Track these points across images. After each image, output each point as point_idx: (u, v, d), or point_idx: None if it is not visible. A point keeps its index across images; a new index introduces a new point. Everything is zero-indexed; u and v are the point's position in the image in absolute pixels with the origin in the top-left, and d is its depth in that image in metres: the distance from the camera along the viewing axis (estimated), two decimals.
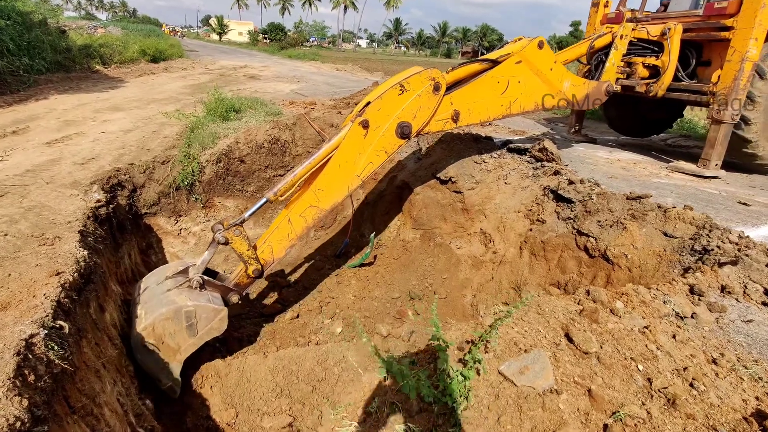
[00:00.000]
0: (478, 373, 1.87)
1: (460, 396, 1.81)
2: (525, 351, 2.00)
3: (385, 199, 6.96)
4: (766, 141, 5.94)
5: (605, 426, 1.73)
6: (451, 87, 4.55)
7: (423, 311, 5.62)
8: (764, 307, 2.87)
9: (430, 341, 2.13)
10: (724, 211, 4.62)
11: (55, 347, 2.86)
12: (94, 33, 20.44)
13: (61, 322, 3.09)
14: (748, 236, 3.64)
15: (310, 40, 68.97)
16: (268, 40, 56.14)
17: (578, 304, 2.48)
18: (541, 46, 4.82)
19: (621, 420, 1.73)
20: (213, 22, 72.63)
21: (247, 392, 4.83)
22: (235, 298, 4.10)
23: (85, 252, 3.94)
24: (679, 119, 9.44)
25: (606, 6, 7.23)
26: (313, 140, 6.95)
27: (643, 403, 1.84)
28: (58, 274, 3.43)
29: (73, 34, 15.84)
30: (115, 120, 7.86)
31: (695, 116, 10.64)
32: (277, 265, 4.38)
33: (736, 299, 2.89)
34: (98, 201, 4.94)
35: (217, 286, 4.00)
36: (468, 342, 2.11)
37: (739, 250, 3.43)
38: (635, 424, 1.72)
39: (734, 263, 3.23)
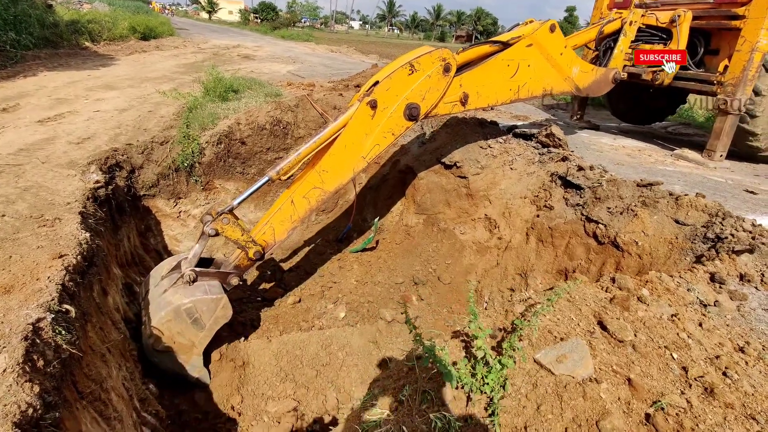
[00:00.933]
0: (514, 362, 1.83)
1: (497, 385, 1.77)
2: (561, 339, 1.96)
3: (388, 184, 6.87)
4: None
5: (647, 415, 1.71)
6: (460, 69, 4.46)
7: (427, 296, 5.60)
8: None
9: (462, 327, 2.09)
10: (732, 200, 4.62)
11: (63, 332, 2.78)
12: (80, 8, 19.79)
13: (67, 306, 2.99)
14: (761, 225, 3.64)
15: (302, 20, 67.67)
16: (260, 20, 54.94)
17: (606, 291, 2.45)
18: (552, 29, 4.73)
19: (663, 409, 1.71)
20: (203, 0, 70.86)
21: (251, 377, 4.79)
22: (234, 281, 4.00)
23: (87, 234, 3.82)
24: (679, 107, 9.43)
25: None
26: (315, 122, 6.81)
27: (683, 392, 1.82)
28: (61, 256, 3.32)
29: (60, 8, 15.30)
30: (109, 99, 7.61)
31: (695, 104, 10.64)
32: (278, 246, 4.27)
33: (755, 287, 2.89)
34: (97, 182, 4.79)
35: (213, 274, 3.89)
36: (501, 329, 2.07)
37: (753, 238, 3.42)
38: (677, 414, 1.69)
39: (750, 251, 3.23)
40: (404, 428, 1.71)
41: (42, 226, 3.64)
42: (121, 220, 5.14)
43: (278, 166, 3.73)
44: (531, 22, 4.95)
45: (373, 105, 3.79)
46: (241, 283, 4.16)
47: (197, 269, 3.77)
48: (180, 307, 3.58)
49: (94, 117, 6.50)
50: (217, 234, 3.68)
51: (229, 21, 65.67)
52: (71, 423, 2.37)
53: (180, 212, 5.96)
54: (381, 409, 1.82)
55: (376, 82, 3.86)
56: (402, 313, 5.32)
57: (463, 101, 4.42)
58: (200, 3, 74.15)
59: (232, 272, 3.98)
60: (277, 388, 4.70)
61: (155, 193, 5.77)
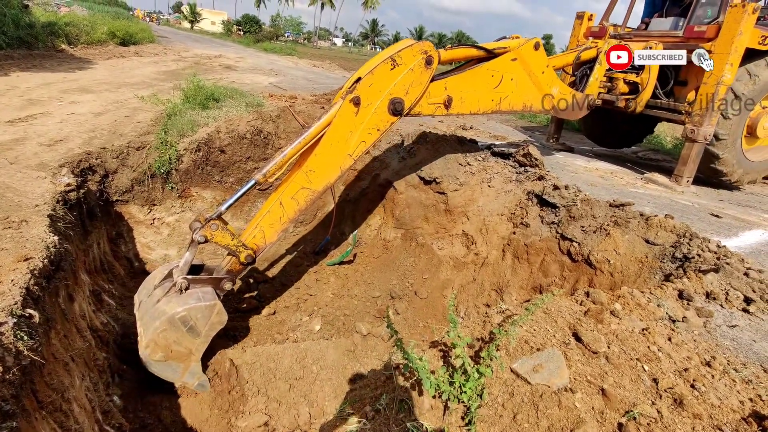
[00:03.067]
0: (492, 371, 1.84)
1: (474, 394, 1.77)
2: (537, 350, 1.98)
3: (367, 197, 6.89)
4: (732, 159, 6.25)
5: (620, 425, 1.74)
6: (445, 74, 4.55)
7: (403, 311, 5.59)
8: (745, 313, 2.98)
9: (440, 337, 2.08)
10: (698, 222, 4.81)
11: (24, 337, 2.66)
12: (58, 11, 19.42)
13: (31, 311, 2.88)
14: (725, 246, 3.79)
15: (286, 35, 67.95)
16: (243, 32, 54.90)
17: (581, 305, 2.50)
18: (537, 47, 4.88)
19: (635, 419, 1.74)
20: (185, 9, 70.36)
21: (222, 390, 4.64)
22: (228, 286, 3.96)
23: (55, 237, 3.70)
24: (647, 135, 9.83)
25: (590, 20, 7.43)
26: (296, 134, 6.80)
27: (654, 403, 1.87)
28: (26, 259, 3.20)
29: (36, 9, 14.97)
30: (84, 102, 7.45)
31: (662, 132, 11.11)
32: (269, 249, 4.20)
33: (720, 305, 3.00)
34: (68, 185, 4.66)
35: (205, 281, 3.85)
36: (479, 339, 2.08)
37: (718, 258, 3.56)
38: (648, 423, 1.73)
39: (716, 271, 3.36)
40: None
41: (7, 228, 3.51)
42: (91, 225, 4.99)
43: (264, 168, 3.65)
44: (517, 37, 5.10)
45: (357, 102, 3.76)
46: (233, 288, 4.10)
47: (189, 277, 3.72)
48: (174, 316, 3.54)
49: (67, 119, 6.34)
50: (206, 241, 3.63)
51: (211, 32, 65.41)
52: None
53: (154, 219, 5.83)
54: (357, 418, 1.79)
55: (359, 79, 3.81)
56: (378, 326, 5.29)
57: (447, 104, 4.45)
58: (182, 12, 73.72)
59: (224, 277, 3.94)
60: (248, 402, 4.58)
61: (129, 199, 5.63)
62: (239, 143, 6.26)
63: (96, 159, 5.35)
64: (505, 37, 4.98)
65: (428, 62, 3.97)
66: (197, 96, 7.18)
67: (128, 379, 4.31)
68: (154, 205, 5.86)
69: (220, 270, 3.95)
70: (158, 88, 9.12)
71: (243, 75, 13.17)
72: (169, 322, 3.53)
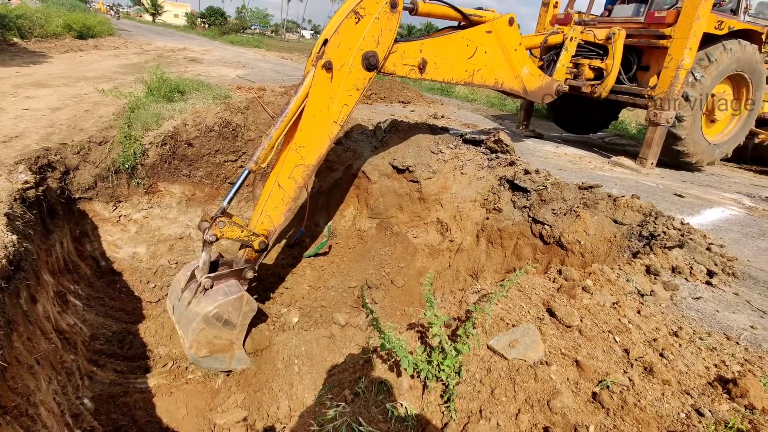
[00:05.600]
0: (469, 348, 1.86)
1: (452, 371, 1.78)
2: (513, 326, 2.01)
3: (340, 188, 6.84)
4: (693, 141, 6.48)
5: (594, 393, 1.78)
6: (420, 37, 4.55)
7: (380, 300, 5.59)
8: (708, 285, 3.11)
9: (417, 319, 2.09)
10: (663, 202, 4.97)
11: None
12: (8, 3, 18.44)
13: None
14: (688, 223, 3.93)
15: (253, 27, 66.46)
16: (207, 25, 53.39)
17: (554, 282, 2.55)
18: (511, 22, 4.91)
19: (608, 387, 1.79)
20: (145, 1, 67.88)
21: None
22: (249, 274, 4.11)
23: (14, 237, 3.53)
24: (612, 121, 10.10)
25: (555, 7, 7.54)
26: (266, 124, 6.67)
27: (625, 371, 1.92)
28: None
29: None
30: (41, 97, 7.11)
31: (627, 118, 11.43)
32: (279, 230, 4.29)
33: (685, 279, 3.11)
34: (25, 182, 4.45)
35: (227, 275, 3.98)
36: (455, 319, 2.09)
37: (682, 235, 3.69)
38: (620, 391, 1.78)
39: (681, 246, 3.48)
40: (360, 419, 1.68)
41: None
42: (53, 224, 4.79)
43: (254, 155, 3.62)
44: (492, 11, 5.10)
45: (329, 66, 3.64)
46: (256, 274, 4.22)
47: (211, 275, 3.85)
48: (208, 315, 3.72)
49: (23, 115, 6.04)
50: (218, 239, 3.68)
51: (174, 24, 63.42)
52: None
53: (120, 216, 5.63)
54: (336, 403, 1.78)
55: (325, 41, 3.69)
56: (356, 316, 5.28)
57: (421, 67, 4.39)
58: (143, 4, 71.12)
59: (244, 267, 4.07)
60: (227, 399, 4.51)
61: (92, 196, 5.42)
62: (207, 136, 6.10)
63: (55, 155, 5.12)
64: (481, 8, 4.97)
65: (393, 6, 3.81)
66: (161, 88, 6.94)
67: (99, 381, 4.18)
68: (120, 201, 5.66)
69: (239, 261, 4.07)
70: (120, 82, 8.78)
71: (209, 68, 12.82)
72: (204, 321, 3.71)
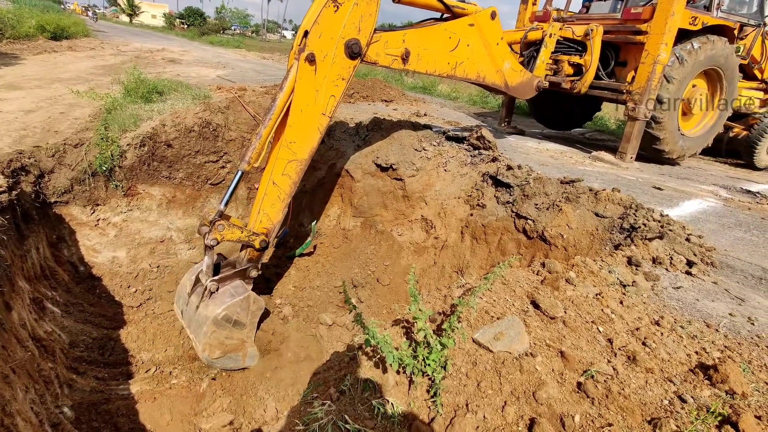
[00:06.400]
0: (454, 342, 1.85)
1: (438, 366, 1.78)
2: (497, 319, 2.01)
3: (324, 187, 6.79)
4: (671, 138, 6.60)
5: (579, 383, 1.79)
6: (403, 27, 4.58)
7: (366, 299, 5.57)
8: (688, 275, 3.16)
9: (401, 315, 2.07)
10: (643, 195, 5.05)
11: None
12: None
13: None
14: (667, 215, 4.00)
15: (233, 28, 65.69)
16: (186, 25, 52.59)
17: (537, 274, 2.56)
18: (493, 16, 4.93)
19: (593, 377, 1.80)
20: (122, 1, 66.57)
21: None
22: (253, 273, 4.20)
23: None
24: (593, 116, 10.23)
25: (534, 4, 7.61)
26: (247, 124, 6.59)
27: (609, 361, 1.94)
28: None
29: None
30: (13, 99, 6.91)
31: (606, 114, 11.61)
32: (278, 227, 4.30)
33: (666, 269, 3.16)
34: None
35: (232, 276, 4.05)
36: (440, 314, 2.09)
37: (662, 227, 3.75)
38: (605, 380, 1.79)
39: (660, 238, 3.53)
40: (347, 417, 1.66)
41: None
42: (27, 229, 4.65)
43: (246, 156, 3.61)
44: (474, 4, 5.11)
45: (311, 59, 3.59)
46: (260, 272, 4.32)
47: (216, 278, 3.90)
48: (217, 317, 3.80)
49: None
50: (218, 243, 3.71)
51: (152, 25, 62.34)
52: None
53: (98, 220, 5.50)
54: (322, 401, 1.75)
55: (306, 33, 3.63)
56: (342, 316, 5.26)
57: (405, 58, 4.37)
58: (119, 5, 69.78)
59: (247, 267, 4.14)
60: (212, 404, 4.44)
61: (69, 200, 5.28)
62: (187, 136, 5.99)
63: (29, 158, 4.97)
64: (463, 1, 4.97)
65: None
66: (139, 89, 6.80)
67: (79, 389, 4.07)
68: (98, 205, 5.52)
69: (241, 261, 4.13)
70: (96, 83, 8.59)
71: (188, 68, 12.63)
72: (214, 323, 3.79)
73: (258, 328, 4.33)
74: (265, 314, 4.71)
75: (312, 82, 3.70)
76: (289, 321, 5.06)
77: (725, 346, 2.25)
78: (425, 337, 1.80)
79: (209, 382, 4.58)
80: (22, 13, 15.98)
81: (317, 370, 2.28)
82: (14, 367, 3.25)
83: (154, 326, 4.98)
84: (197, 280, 3.97)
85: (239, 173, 3.66)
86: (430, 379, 1.80)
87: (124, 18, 66.70)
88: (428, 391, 1.78)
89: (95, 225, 5.52)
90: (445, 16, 4.94)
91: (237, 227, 3.82)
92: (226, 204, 3.72)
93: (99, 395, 4.11)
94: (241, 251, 4.20)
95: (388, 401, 1.72)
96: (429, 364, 1.76)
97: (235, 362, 4.19)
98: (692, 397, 1.84)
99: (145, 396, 4.32)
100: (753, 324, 2.53)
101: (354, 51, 3.77)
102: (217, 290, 3.89)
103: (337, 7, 3.56)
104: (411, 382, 1.81)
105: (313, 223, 5.91)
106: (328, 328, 5.09)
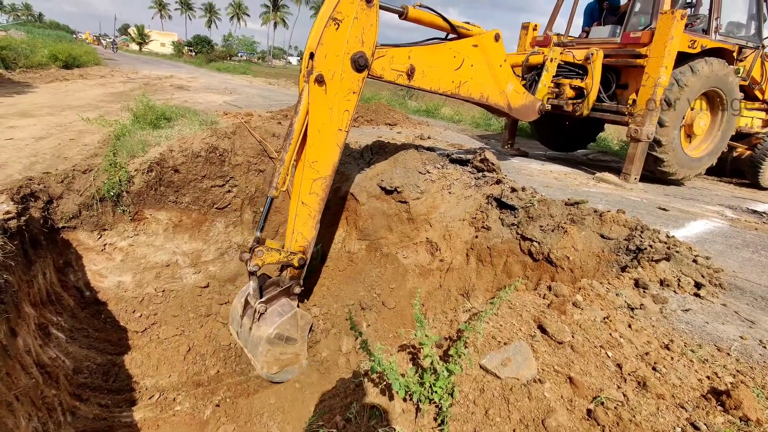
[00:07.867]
0: (461, 368, 1.83)
1: (445, 393, 1.75)
2: (504, 344, 1.99)
3: (329, 211, 6.82)
4: (675, 159, 6.61)
5: (589, 410, 1.76)
6: (409, 44, 4.60)
7: (373, 322, 5.53)
8: (696, 297, 3.12)
9: (407, 340, 2.06)
10: (648, 216, 5.03)
11: None
12: None
13: None
14: (674, 236, 3.98)
15: (239, 54, 67.22)
16: (194, 53, 53.88)
17: (544, 298, 2.54)
18: (497, 38, 5.02)
19: (602, 404, 1.77)
20: (132, 31, 68.44)
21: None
22: (297, 289, 4.47)
23: None
24: (596, 137, 10.29)
25: (535, 30, 7.76)
26: (254, 149, 6.67)
27: (619, 387, 1.90)
28: None
29: None
30: (24, 126, 7.06)
31: (609, 135, 11.68)
32: (313, 242, 4.48)
33: (674, 291, 3.13)
34: (7, 212, 4.37)
35: (278, 295, 4.31)
36: (447, 339, 2.07)
37: (668, 248, 3.73)
38: (615, 407, 1.76)
39: (667, 259, 3.51)
40: None
41: None
42: (35, 255, 4.69)
43: (273, 182, 3.84)
44: (479, 27, 5.21)
45: (320, 80, 3.69)
46: (303, 288, 4.58)
47: (263, 299, 4.15)
48: (270, 336, 4.06)
49: (5, 145, 5.99)
50: (260, 268, 3.96)
51: (161, 53, 63.94)
52: None
53: (105, 245, 5.54)
54: (328, 429, 1.73)
55: (312, 55, 3.72)
56: (348, 343, 5.21)
57: (410, 74, 4.43)
58: (130, 34, 71.72)
59: (290, 284, 4.38)
60: (215, 430, 4.38)
61: (76, 225, 5.34)
62: (194, 161, 6.08)
63: (38, 184, 5.05)
64: (468, 23, 5.10)
65: (368, 0, 3.76)
66: (147, 115, 6.94)
67: (82, 416, 4.04)
68: (105, 230, 5.57)
69: (284, 280, 4.38)
70: (106, 110, 8.77)
71: (196, 94, 12.89)
72: (268, 343, 4.07)
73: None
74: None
75: (324, 101, 3.83)
76: None
77: (737, 371, 2.21)
78: (432, 363, 1.78)
79: (213, 408, 4.53)
80: (36, 44, 16.47)
81: (323, 397, 2.25)
82: (18, 394, 3.23)
83: (159, 351, 4.95)
84: (247, 303, 4.22)
85: (269, 199, 3.89)
86: (437, 406, 1.77)
87: (134, 46, 68.47)
88: (435, 419, 1.75)
89: (102, 250, 5.56)
90: (450, 36, 5.05)
91: (275, 250, 4.06)
92: (262, 230, 3.94)
93: (102, 423, 4.07)
94: (281, 271, 4.47)
95: (395, 430, 1.69)
96: (436, 391, 1.74)
97: (293, 374, 4.48)
98: (705, 424, 1.80)
99: (148, 423, 4.27)
100: (765, 347, 2.49)
101: (360, 64, 3.86)
102: (265, 311, 4.13)
103: (338, 25, 3.65)
104: (418, 409, 1.78)
105: (318, 246, 5.92)
106: (334, 354, 5.04)
